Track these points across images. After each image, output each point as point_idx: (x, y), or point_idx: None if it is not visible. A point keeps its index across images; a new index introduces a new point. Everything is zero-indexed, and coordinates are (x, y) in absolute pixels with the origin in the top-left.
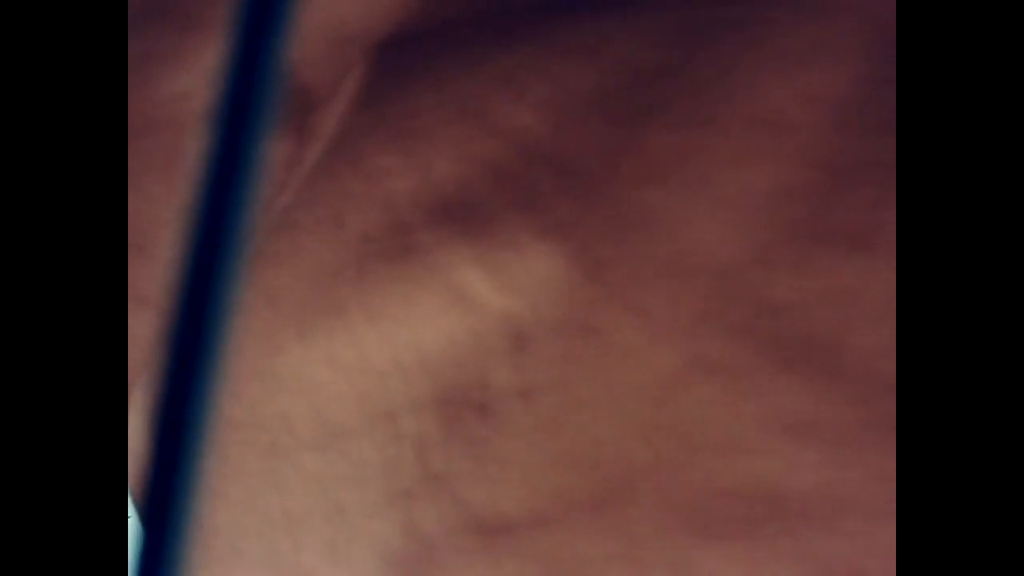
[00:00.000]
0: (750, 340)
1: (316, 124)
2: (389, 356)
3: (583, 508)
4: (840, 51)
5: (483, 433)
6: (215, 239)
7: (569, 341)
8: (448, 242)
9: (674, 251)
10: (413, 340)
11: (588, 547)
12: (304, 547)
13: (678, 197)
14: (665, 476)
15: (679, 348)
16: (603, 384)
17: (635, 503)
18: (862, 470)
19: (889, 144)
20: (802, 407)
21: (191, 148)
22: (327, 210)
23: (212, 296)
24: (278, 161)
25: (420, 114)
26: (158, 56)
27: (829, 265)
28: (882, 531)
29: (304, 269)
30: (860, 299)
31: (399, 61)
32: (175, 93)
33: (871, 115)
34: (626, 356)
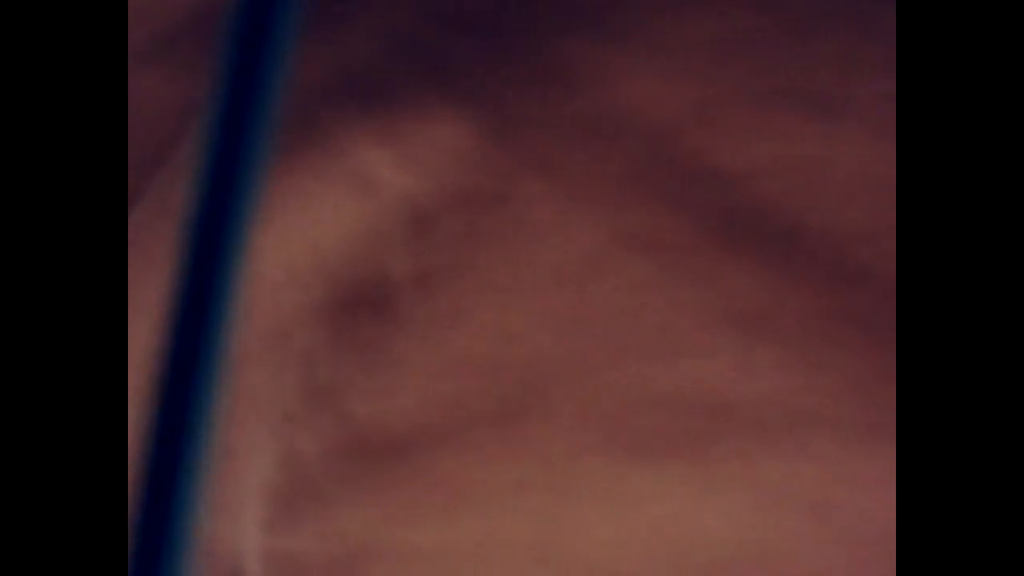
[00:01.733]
0: (690, 214)
1: None
2: (285, 266)
3: (485, 422)
4: None
5: (376, 336)
6: (216, 235)
7: (474, 216)
8: (348, 121)
9: (598, 108)
10: (309, 243)
11: (491, 471)
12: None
13: (603, 47)
14: (585, 381)
15: (603, 221)
16: (512, 265)
17: (549, 416)
18: (829, 375)
19: None
20: (753, 295)
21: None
22: None
23: (213, 294)
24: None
25: (339, 3)
26: None
27: (788, 130)
28: (853, 453)
29: None
30: (825, 171)
31: None
32: None
33: None
34: (540, 231)
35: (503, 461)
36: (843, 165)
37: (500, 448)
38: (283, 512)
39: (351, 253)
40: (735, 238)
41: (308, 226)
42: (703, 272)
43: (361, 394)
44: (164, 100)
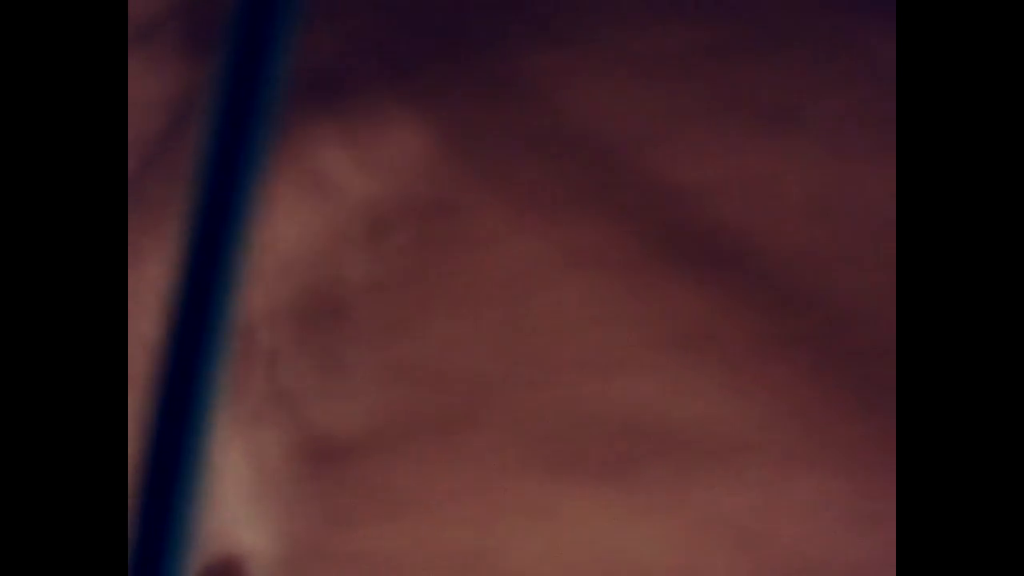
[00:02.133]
0: (638, 229)
1: None
2: (251, 265)
3: (426, 431)
4: None
5: (330, 340)
6: (218, 234)
7: (424, 223)
8: (309, 122)
9: (552, 120)
10: (272, 243)
11: (428, 479)
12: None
13: (564, 60)
14: (522, 395)
15: (549, 233)
16: (458, 275)
17: (484, 427)
18: (767, 401)
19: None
20: (696, 316)
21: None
22: None
23: (214, 291)
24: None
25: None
26: None
27: (741, 147)
28: (787, 481)
29: None
30: (777, 191)
31: None
32: None
33: None
34: (486, 241)
35: (440, 470)
36: (795, 184)
37: (438, 457)
38: (249, 511)
39: (313, 255)
40: (682, 256)
41: (271, 225)
42: (647, 290)
43: (316, 398)
44: (146, 88)
